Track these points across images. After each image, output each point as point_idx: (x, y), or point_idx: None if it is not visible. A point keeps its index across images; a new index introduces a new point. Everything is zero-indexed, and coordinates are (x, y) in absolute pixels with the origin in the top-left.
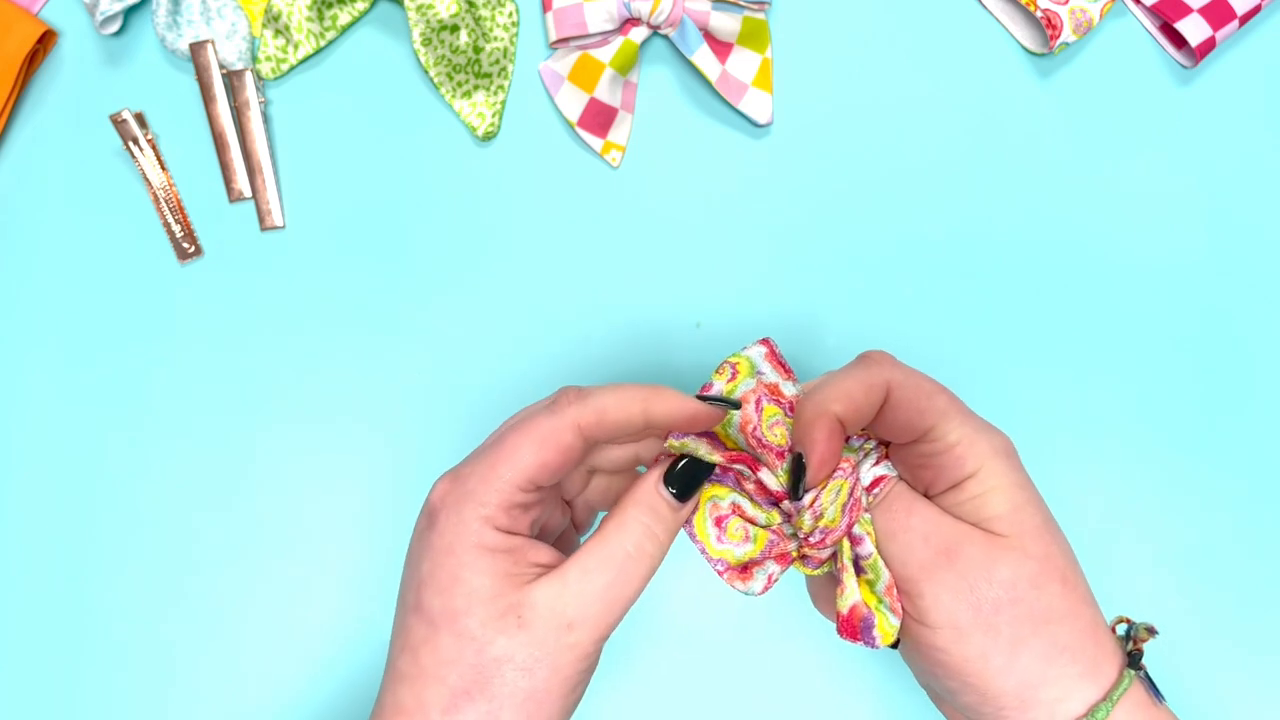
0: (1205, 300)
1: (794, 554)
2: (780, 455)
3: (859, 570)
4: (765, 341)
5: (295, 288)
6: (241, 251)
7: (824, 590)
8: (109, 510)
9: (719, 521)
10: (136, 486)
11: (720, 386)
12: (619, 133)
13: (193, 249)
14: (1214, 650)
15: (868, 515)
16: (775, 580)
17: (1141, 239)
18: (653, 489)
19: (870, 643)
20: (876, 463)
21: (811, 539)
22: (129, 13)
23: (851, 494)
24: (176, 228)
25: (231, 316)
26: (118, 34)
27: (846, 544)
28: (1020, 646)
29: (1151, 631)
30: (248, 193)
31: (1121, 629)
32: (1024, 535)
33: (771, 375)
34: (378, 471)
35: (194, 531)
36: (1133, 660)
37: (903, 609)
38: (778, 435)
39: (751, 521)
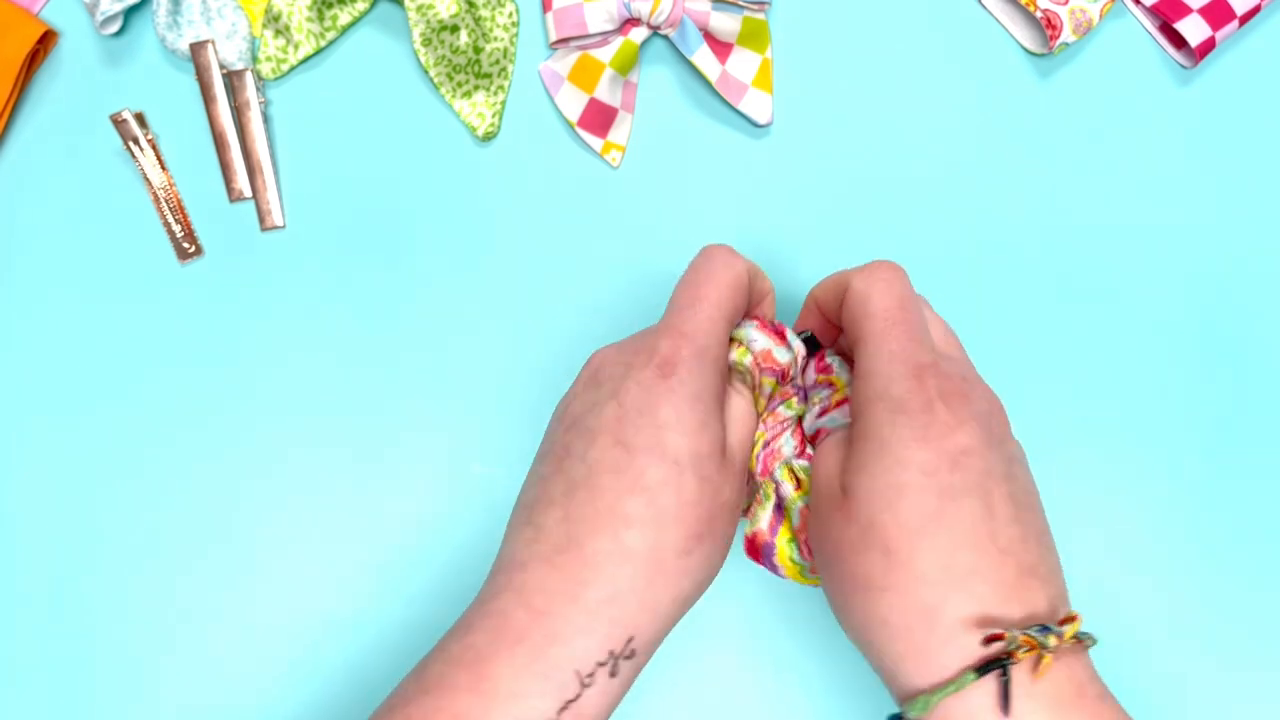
0: (1207, 300)
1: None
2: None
3: (781, 510)
4: (760, 321)
5: (295, 288)
6: (241, 251)
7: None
8: (108, 509)
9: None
10: (135, 485)
11: (733, 354)
12: (619, 133)
13: (193, 249)
14: (1204, 654)
15: (801, 462)
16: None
17: (1141, 239)
18: None
19: (773, 570)
20: (820, 414)
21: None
22: (129, 13)
23: (766, 445)
24: (177, 227)
25: (231, 316)
26: (118, 34)
27: (769, 484)
28: (846, 604)
29: (1056, 632)
30: (248, 193)
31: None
32: (855, 499)
33: (763, 342)
34: (378, 471)
35: (193, 531)
36: (991, 664)
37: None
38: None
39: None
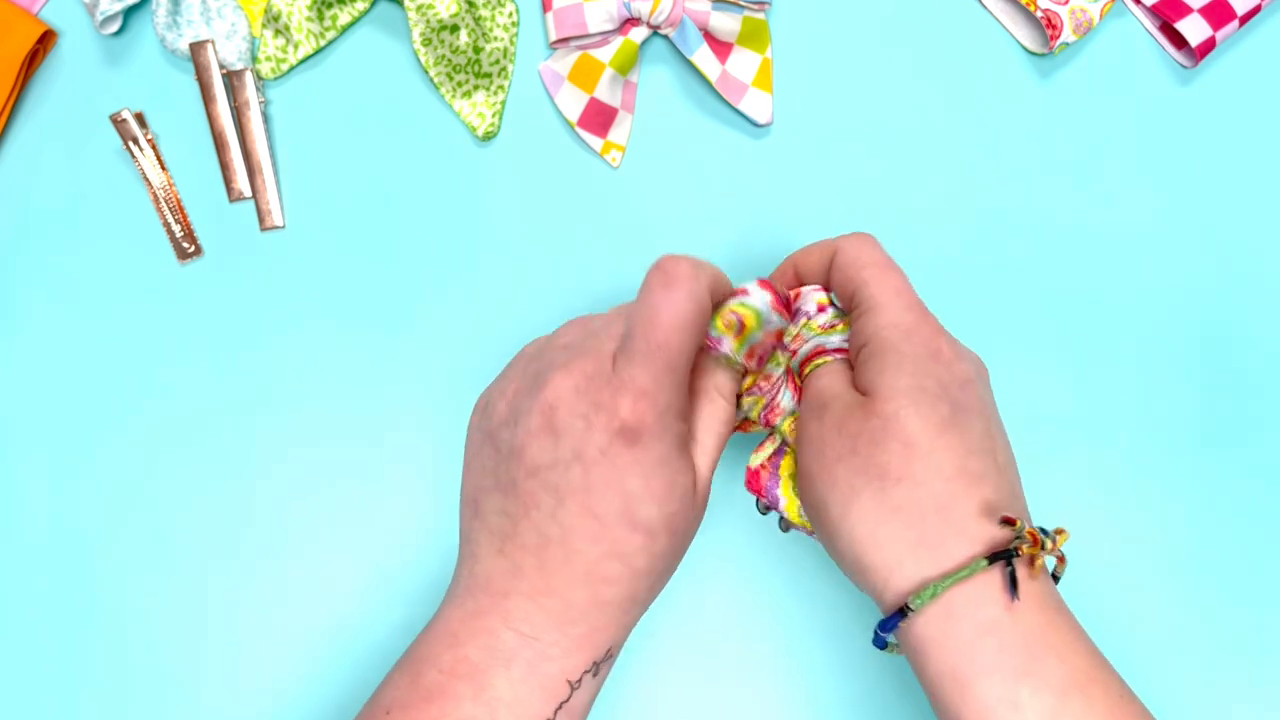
0: (1205, 300)
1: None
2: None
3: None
4: (766, 284)
5: (295, 288)
6: (241, 251)
7: None
8: (107, 510)
9: None
10: (136, 486)
11: (729, 344)
12: (619, 133)
13: (193, 249)
14: (1198, 650)
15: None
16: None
17: (1141, 239)
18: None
19: (773, 502)
20: (827, 330)
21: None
22: (129, 13)
23: (768, 406)
24: (176, 227)
25: (231, 316)
26: (118, 34)
27: (786, 423)
28: (854, 499)
29: (1052, 537)
30: (248, 192)
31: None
32: (877, 395)
33: (777, 322)
34: (378, 472)
35: (193, 532)
36: (999, 554)
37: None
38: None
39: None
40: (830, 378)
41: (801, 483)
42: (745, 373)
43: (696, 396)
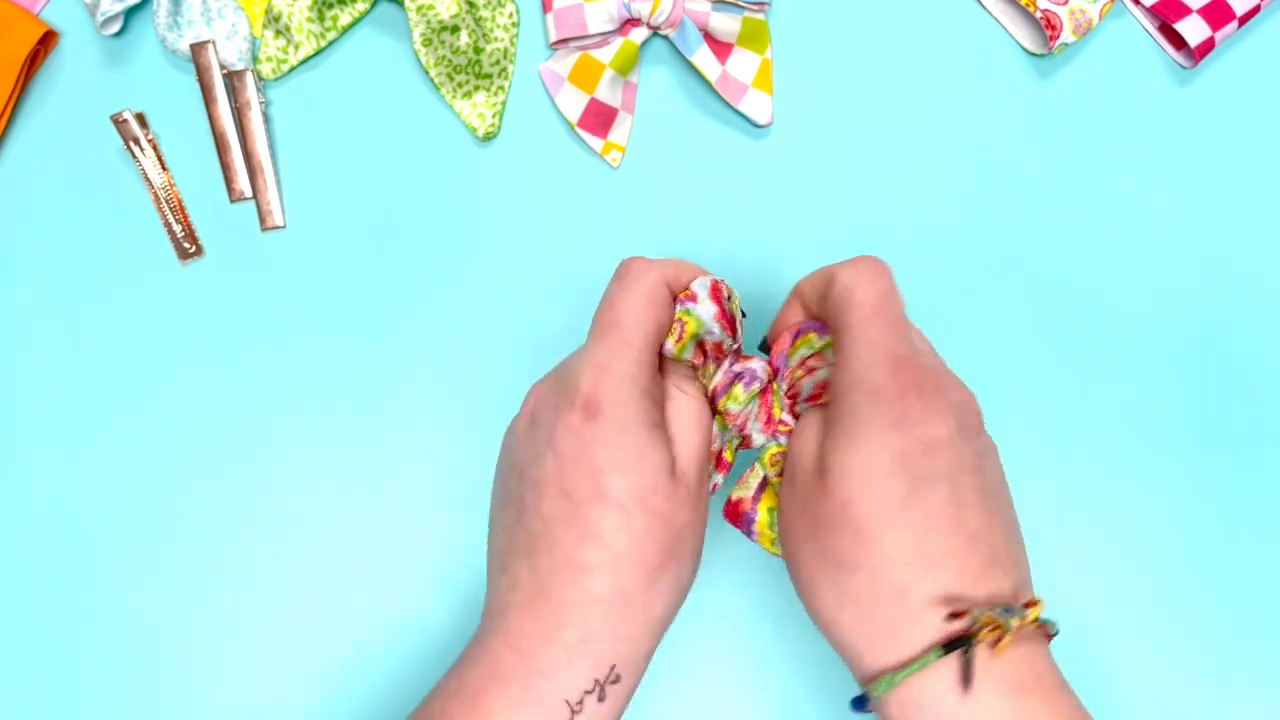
0: (1203, 300)
1: (728, 456)
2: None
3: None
4: (717, 295)
5: (295, 288)
6: (242, 251)
7: None
8: (107, 511)
9: None
10: (136, 486)
11: (669, 346)
12: (619, 133)
13: (193, 249)
14: (1187, 655)
15: (784, 440)
16: (719, 485)
17: (1140, 240)
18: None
19: (748, 534)
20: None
21: (735, 423)
22: (130, 13)
23: (762, 398)
24: (177, 227)
25: (232, 316)
26: (118, 34)
27: (767, 453)
28: (817, 584)
29: (1018, 613)
30: (248, 193)
31: (977, 613)
32: (830, 477)
33: (719, 334)
34: (378, 472)
35: (193, 531)
36: (954, 643)
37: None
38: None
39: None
40: (801, 436)
41: (782, 550)
42: (694, 369)
43: (674, 400)
